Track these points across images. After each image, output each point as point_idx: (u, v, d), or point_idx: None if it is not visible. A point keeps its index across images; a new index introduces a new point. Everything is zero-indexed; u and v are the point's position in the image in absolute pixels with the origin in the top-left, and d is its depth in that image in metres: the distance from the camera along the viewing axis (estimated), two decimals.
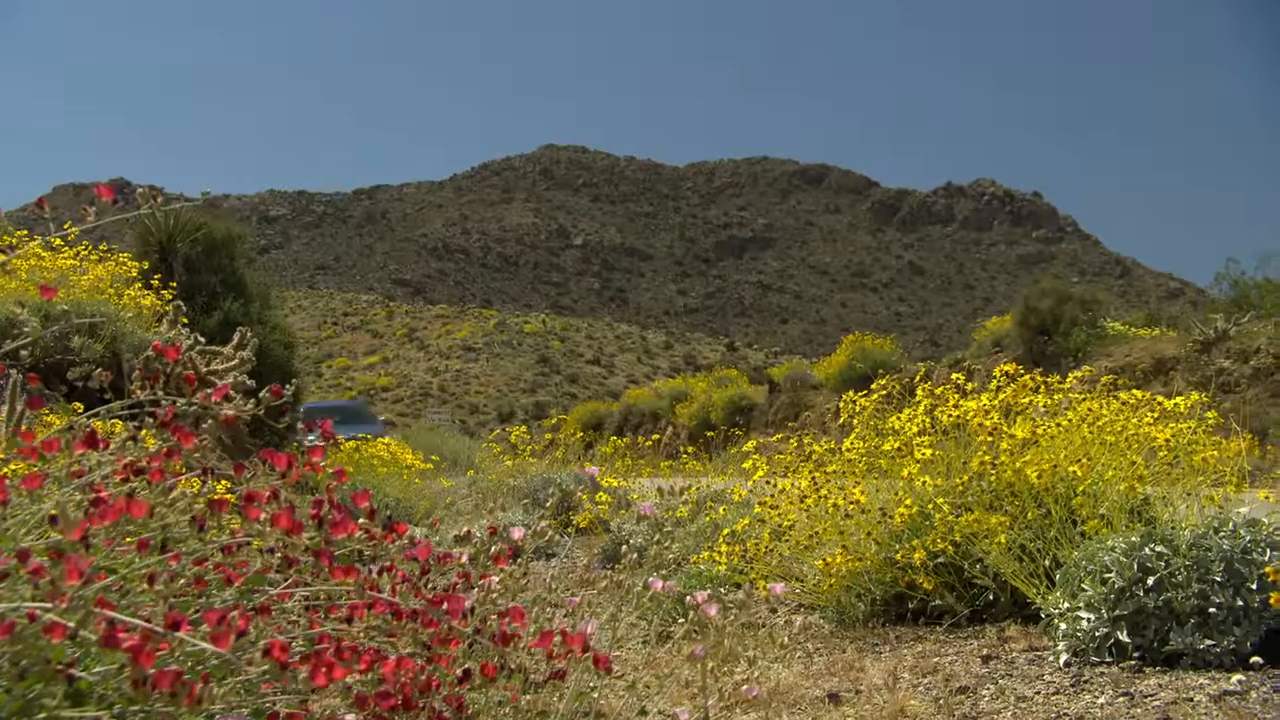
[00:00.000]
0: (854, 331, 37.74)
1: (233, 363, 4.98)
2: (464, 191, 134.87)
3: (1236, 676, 4.06)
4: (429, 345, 74.32)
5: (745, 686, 3.52)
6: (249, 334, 5.17)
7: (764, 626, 5.49)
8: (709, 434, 20.00)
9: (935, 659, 4.82)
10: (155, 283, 11.73)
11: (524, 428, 13.30)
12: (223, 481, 5.32)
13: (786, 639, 5.01)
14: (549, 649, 2.73)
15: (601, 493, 8.81)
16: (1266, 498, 4.98)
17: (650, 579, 3.12)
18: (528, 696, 2.94)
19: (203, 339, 5.46)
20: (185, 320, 7.01)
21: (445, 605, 2.73)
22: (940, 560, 5.32)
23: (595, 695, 3.12)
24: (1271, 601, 3.22)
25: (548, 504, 10.08)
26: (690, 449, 12.44)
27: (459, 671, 2.76)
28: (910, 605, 5.48)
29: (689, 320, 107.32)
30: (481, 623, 2.83)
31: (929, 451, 5.43)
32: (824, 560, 5.45)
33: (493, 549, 3.20)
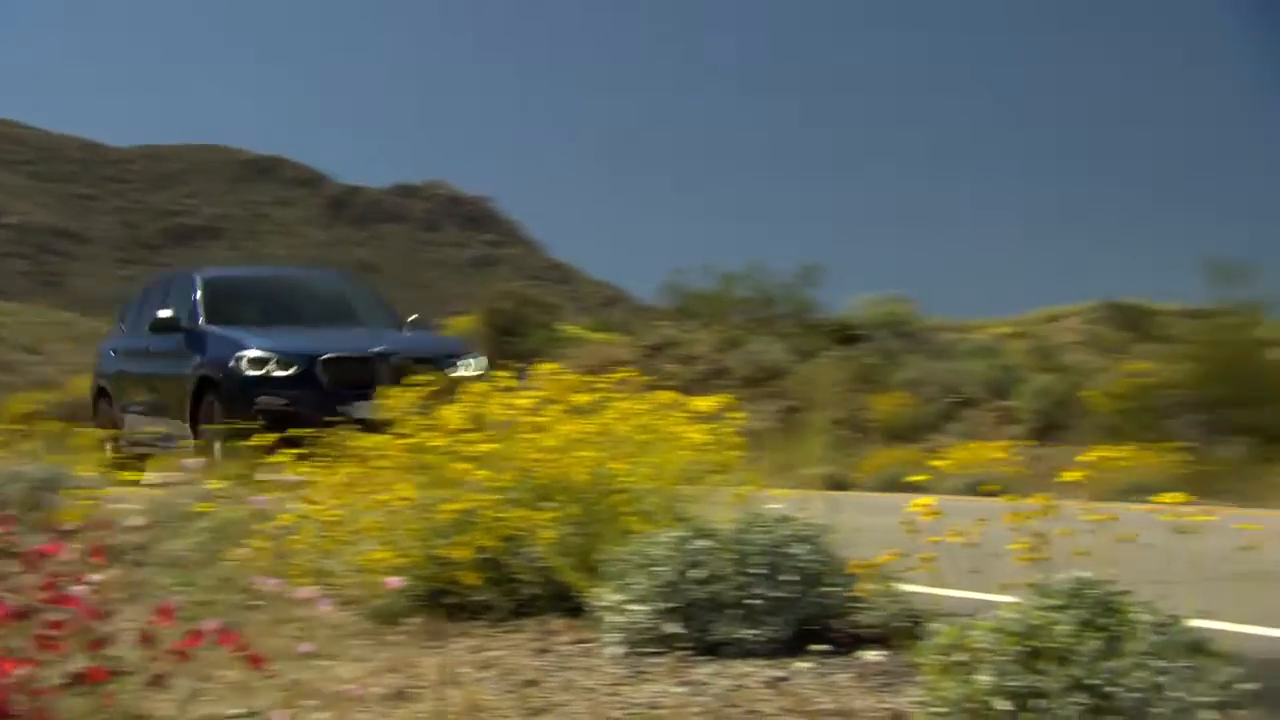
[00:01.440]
0: None
1: None
2: None
3: (799, 663, 4.36)
4: None
5: (352, 686, 3.44)
6: None
7: (301, 622, 5.35)
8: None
9: (489, 653, 4.86)
10: None
11: None
12: None
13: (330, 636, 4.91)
14: (185, 649, 2.58)
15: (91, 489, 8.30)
16: (792, 495, 5.35)
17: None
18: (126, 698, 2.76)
19: None
20: None
21: (69, 604, 2.53)
22: (486, 555, 5.37)
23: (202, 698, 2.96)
24: (862, 594, 3.49)
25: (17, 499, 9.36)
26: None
27: (64, 674, 2.56)
28: (454, 600, 5.49)
29: None
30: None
31: (481, 447, 5.48)
32: (367, 556, 5.39)
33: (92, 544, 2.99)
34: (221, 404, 11.96)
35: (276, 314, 14.02)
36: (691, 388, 23.94)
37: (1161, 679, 3.05)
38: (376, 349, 12.79)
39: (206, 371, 12.71)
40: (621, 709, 3.96)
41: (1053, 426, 26.21)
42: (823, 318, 34.56)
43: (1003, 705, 3.06)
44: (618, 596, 4.84)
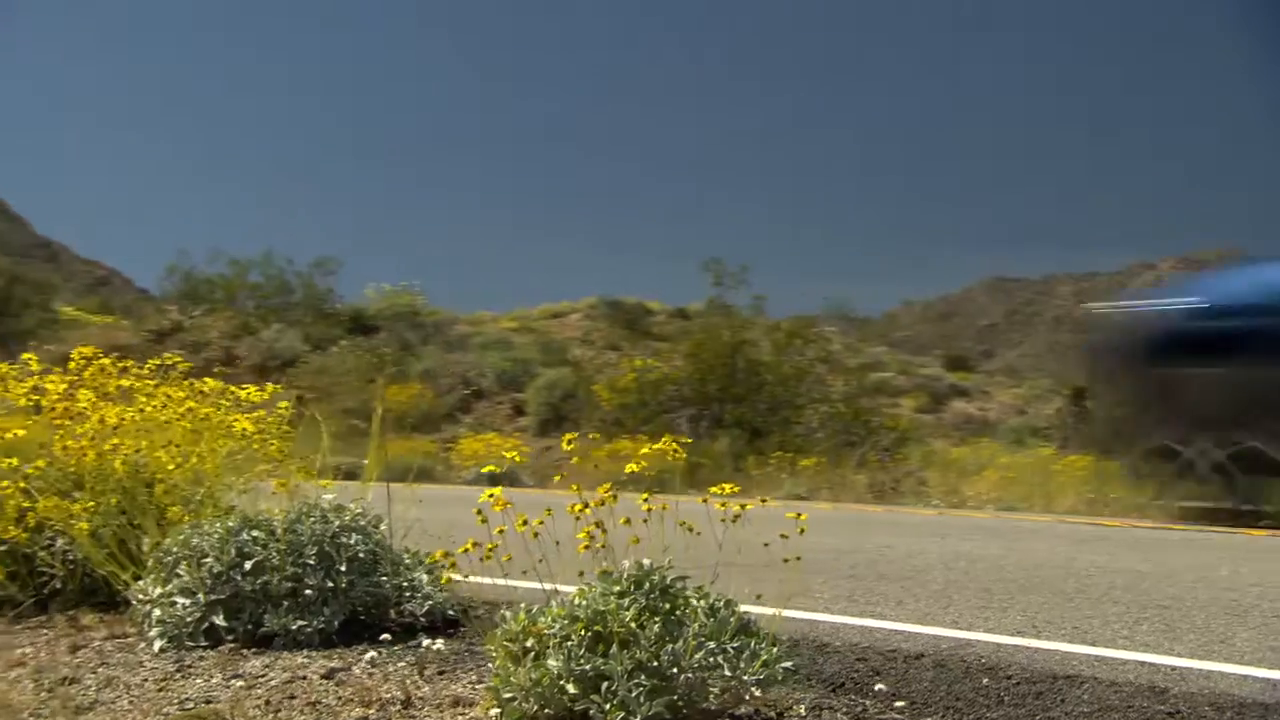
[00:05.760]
0: None
1: None
2: None
3: (355, 653, 4.34)
4: None
5: None
6: None
7: None
8: None
9: (16, 650, 4.58)
10: None
11: None
12: None
13: None
14: None
15: None
16: (346, 486, 5.31)
17: None
18: None
19: None
20: None
21: None
22: (3, 546, 5.06)
23: None
24: (442, 581, 3.51)
25: None
26: None
27: None
28: None
29: None
30: None
31: (8, 434, 5.13)
32: None
33: None
34: None
35: None
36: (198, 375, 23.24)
37: (719, 659, 3.26)
38: None
39: None
40: (175, 704, 3.83)
41: (560, 419, 27.02)
42: (337, 307, 34.31)
43: (572, 689, 3.18)
44: (162, 589, 4.67)
